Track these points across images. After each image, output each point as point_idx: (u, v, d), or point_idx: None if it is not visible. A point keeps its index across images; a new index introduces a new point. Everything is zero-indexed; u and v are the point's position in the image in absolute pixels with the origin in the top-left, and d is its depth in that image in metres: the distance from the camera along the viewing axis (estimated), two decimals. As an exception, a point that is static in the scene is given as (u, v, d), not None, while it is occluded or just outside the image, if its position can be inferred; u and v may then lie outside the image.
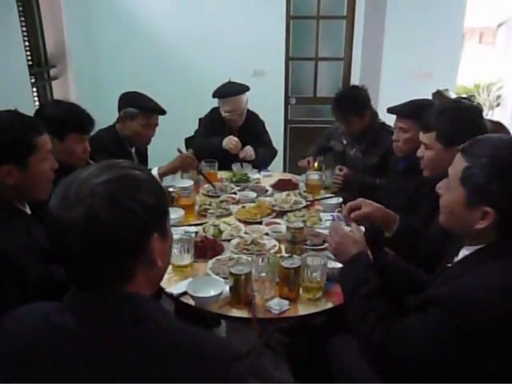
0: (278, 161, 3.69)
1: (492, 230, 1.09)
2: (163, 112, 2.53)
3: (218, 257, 1.73)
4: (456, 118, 1.64)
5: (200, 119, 3.11)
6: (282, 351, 2.15)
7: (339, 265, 1.63)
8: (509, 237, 1.09)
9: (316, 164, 2.77)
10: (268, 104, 4.03)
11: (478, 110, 1.73)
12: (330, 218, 2.12)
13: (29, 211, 1.44)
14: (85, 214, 0.70)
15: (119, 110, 2.47)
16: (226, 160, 2.88)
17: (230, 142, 2.86)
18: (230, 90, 2.88)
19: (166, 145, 3.24)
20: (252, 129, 3.04)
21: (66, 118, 1.83)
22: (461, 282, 1.07)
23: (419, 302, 1.12)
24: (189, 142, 3.06)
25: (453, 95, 3.40)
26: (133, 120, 2.44)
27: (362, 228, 1.58)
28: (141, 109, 2.44)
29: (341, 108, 2.62)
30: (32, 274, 1.24)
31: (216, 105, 3.01)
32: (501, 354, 0.97)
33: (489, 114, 7.50)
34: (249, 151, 2.90)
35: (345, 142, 2.83)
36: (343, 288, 1.34)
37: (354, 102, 2.59)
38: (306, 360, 1.78)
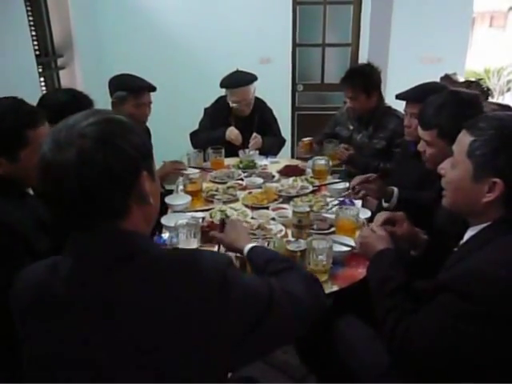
0: (286, 148, 3.68)
1: (498, 204, 1.09)
2: (153, 88, 2.48)
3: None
4: (456, 113, 1.57)
5: (205, 109, 3.10)
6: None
7: (345, 248, 1.64)
8: None
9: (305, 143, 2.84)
10: (275, 91, 4.02)
11: (477, 98, 1.67)
12: (337, 202, 2.13)
13: (31, 192, 1.49)
14: (77, 154, 0.74)
15: (111, 97, 2.44)
16: (233, 149, 2.90)
17: (231, 133, 2.89)
18: (238, 81, 2.87)
19: (173, 135, 3.27)
20: (259, 117, 3.04)
21: (65, 102, 1.83)
22: (466, 263, 1.07)
23: (430, 290, 1.12)
24: (193, 136, 3.04)
25: (461, 79, 3.35)
26: (124, 103, 2.40)
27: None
28: (129, 90, 2.40)
29: (351, 80, 2.63)
30: (38, 246, 1.29)
31: (223, 93, 3.00)
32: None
33: (499, 99, 7.39)
34: (257, 141, 2.92)
35: (351, 127, 2.84)
36: (370, 283, 1.34)
37: (366, 77, 2.62)
38: (313, 343, 1.79)
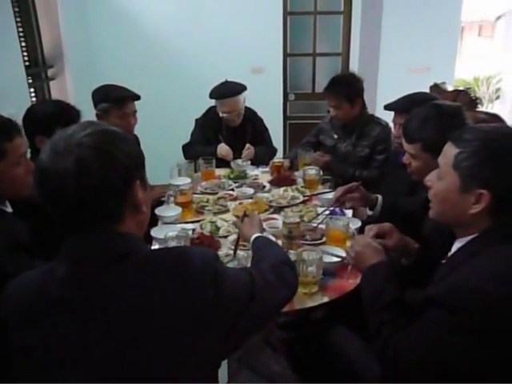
0: (278, 157, 3.69)
1: (485, 215, 1.09)
2: (136, 97, 2.44)
3: (215, 253, 1.73)
4: (440, 126, 1.57)
5: (197, 120, 3.09)
6: (281, 347, 2.16)
7: (335, 259, 1.64)
8: (501, 221, 1.09)
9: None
10: (267, 101, 4.04)
11: (459, 110, 1.66)
12: (328, 212, 2.12)
13: (9, 209, 1.45)
14: (75, 162, 0.78)
15: (95, 109, 2.39)
16: (225, 160, 2.90)
17: (222, 150, 2.90)
18: (227, 91, 2.86)
19: (165, 146, 3.26)
20: (250, 127, 3.04)
21: (53, 114, 1.83)
22: (455, 277, 1.07)
23: (420, 304, 1.12)
24: (186, 149, 3.03)
25: (450, 88, 3.39)
26: (108, 115, 2.34)
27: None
28: (111, 101, 2.35)
29: (334, 89, 2.65)
30: (10, 269, 1.22)
31: (213, 103, 3.00)
32: (501, 345, 0.97)
33: (488, 107, 7.48)
34: (250, 152, 2.93)
35: (336, 136, 2.85)
36: (363, 296, 1.33)
37: (348, 86, 2.64)
38: (305, 354, 1.78)
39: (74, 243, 0.84)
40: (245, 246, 1.79)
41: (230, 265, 1.52)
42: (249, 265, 1.54)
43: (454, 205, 1.13)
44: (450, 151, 1.14)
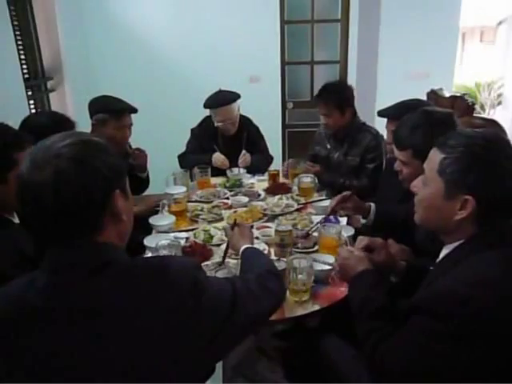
0: (277, 165, 3.69)
1: (471, 222, 1.08)
2: (134, 110, 2.46)
3: (206, 262, 1.73)
4: (430, 132, 1.56)
5: (192, 130, 3.11)
6: (276, 356, 2.14)
7: (326, 267, 1.63)
8: (487, 227, 1.09)
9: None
10: (265, 109, 4.06)
11: (450, 117, 1.66)
12: (323, 220, 2.12)
13: (16, 220, 1.47)
14: (53, 173, 0.78)
15: (91, 118, 2.41)
16: (220, 169, 2.91)
17: (217, 160, 2.91)
18: (221, 100, 2.88)
19: (161, 156, 3.27)
20: (246, 135, 3.05)
21: (48, 125, 1.86)
22: (440, 283, 1.07)
23: (406, 311, 1.12)
24: (181, 159, 3.04)
25: (447, 94, 3.39)
26: (105, 125, 2.36)
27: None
28: (110, 112, 2.36)
29: (325, 97, 2.66)
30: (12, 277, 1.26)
31: (208, 113, 3.02)
32: (487, 350, 0.96)
33: (490, 113, 7.46)
34: (246, 158, 2.94)
35: (328, 146, 2.85)
36: (351, 304, 1.33)
37: (339, 94, 2.65)
38: (300, 363, 1.77)
39: (54, 253, 0.84)
40: (237, 254, 1.79)
41: (220, 273, 1.52)
42: (239, 274, 1.54)
43: (440, 211, 1.13)
44: (435, 157, 1.14)
